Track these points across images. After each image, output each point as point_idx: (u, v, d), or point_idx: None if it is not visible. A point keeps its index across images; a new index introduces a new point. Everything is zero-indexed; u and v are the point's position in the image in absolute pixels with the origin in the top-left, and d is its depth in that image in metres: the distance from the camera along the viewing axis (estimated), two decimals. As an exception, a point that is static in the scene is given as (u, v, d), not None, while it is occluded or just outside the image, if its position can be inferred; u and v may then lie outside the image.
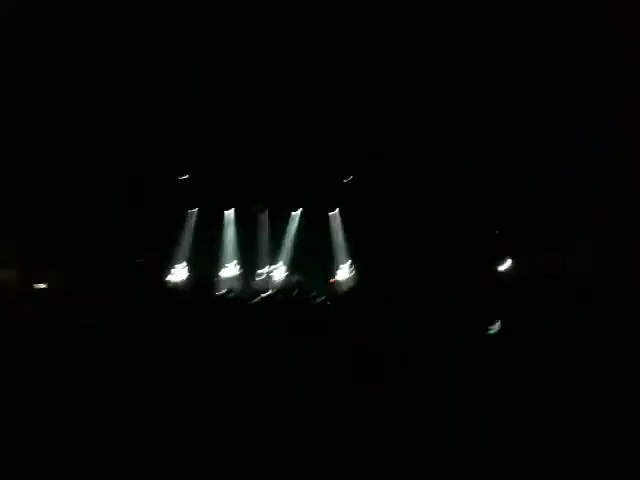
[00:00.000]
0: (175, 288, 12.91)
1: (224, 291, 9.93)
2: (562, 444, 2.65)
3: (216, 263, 14.69)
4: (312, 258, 14.29)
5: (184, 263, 14.66)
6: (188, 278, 14.16)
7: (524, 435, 2.73)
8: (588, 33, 9.34)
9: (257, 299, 7.72)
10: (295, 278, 14.41)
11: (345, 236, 14.98)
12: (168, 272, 14.39)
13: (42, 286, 10.33)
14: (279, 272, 14.60)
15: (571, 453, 2.61)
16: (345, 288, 12.88)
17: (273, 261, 14.84)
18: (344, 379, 3.15)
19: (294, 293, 9.55)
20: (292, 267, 14.72)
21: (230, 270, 14.54)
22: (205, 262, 14.51)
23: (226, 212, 15.29)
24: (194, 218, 15.17)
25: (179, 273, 14.45)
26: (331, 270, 14.51)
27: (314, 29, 10.38)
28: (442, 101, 11.52)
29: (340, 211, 15.25)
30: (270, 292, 10.15)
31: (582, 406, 2.78)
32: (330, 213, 15.30)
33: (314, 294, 9.00)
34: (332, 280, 14.18)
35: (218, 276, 14.46)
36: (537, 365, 3.23)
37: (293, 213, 15.35)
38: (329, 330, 4.10)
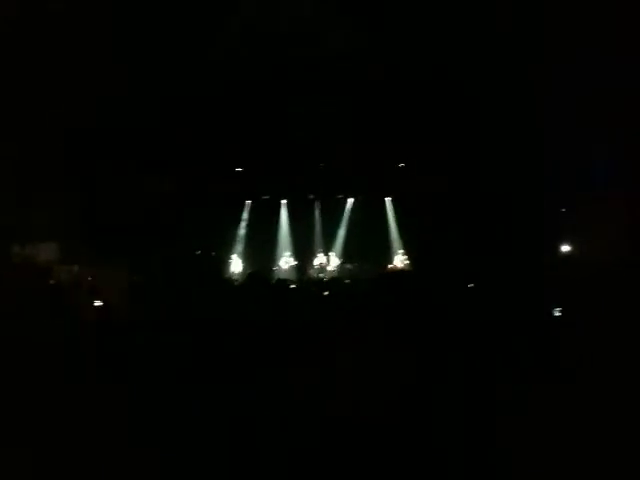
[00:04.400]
0: (232, 279, 13.14)
1: (280, 281, 10.06)
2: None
3: (270, 254, 14.91)
4: (366, 246, 14.34)
5: (239, 255, 14.96)
6: (244, 269, 14.42)
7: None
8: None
9: (313, 288, 7.77)
10: (349, 267, 14.48)
11: (399, 223, 14.97)
12: (225, 264, 14.70)
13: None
14: (333, 261, 14.66)
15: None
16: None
17: (327, 250, 14.92)
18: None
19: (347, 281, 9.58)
20: (346, 256, 14.78)
21: (285, 260, 14.71)
22: (260, 253, 14.77)
23: (280, 202, 15.51)
24: (248, 210, 15.45)
25: (235, 265, 14.73)
26: (386, 258, 14.49)
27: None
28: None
29: (393, 198, 15.24)
30: (325, 281, 10.24)
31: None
32: (385, 199, 15.32)
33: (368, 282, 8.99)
34: (389, 267, 14.14)
35: (273, 267, 14.66)
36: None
37: (348, 201, 15.44)
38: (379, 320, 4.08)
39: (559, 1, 9.43)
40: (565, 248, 12.81)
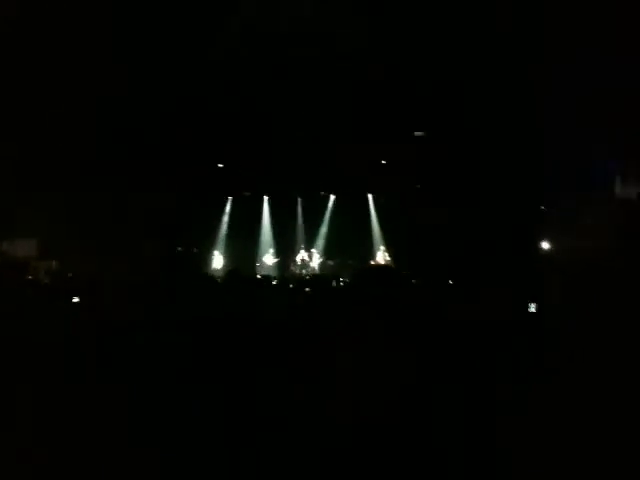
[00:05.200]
0: (213, 276, 13.08)
1: (262, 278, 10.03)
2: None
3: (253, 250, 14.87)
4: (348, 243, 14.34)
5: (221, 251, 14.91)
6: (225, 266, 14.36)
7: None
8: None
9: (294, 285, 7.74)
10: (332, 263, 14.47)
11: (380, 221, 15.01)
12: (207, 260, 14.65)
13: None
14: (315, 257, 14.64)
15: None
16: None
17: (309, 247, 14.91)
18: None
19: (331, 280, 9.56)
20: (329, 252, 14.78)
21: (267, 257, 14.68)
22: (242, 250, 14.73)
23: (262, 198, 15.49)
24: (230, 206, 15.41)
25: (217, 261, 14.68)
26: (368, 255, 14.50)
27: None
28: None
29: (375, 195, 15.27)
30: (307, 278, 10.24)
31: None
32: (367, 196, 15.35)
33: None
34: (371, 263, 14.14)
35: (256, 263, 14.63)
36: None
37: (330, 198, 15.45)
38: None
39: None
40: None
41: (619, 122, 10.35)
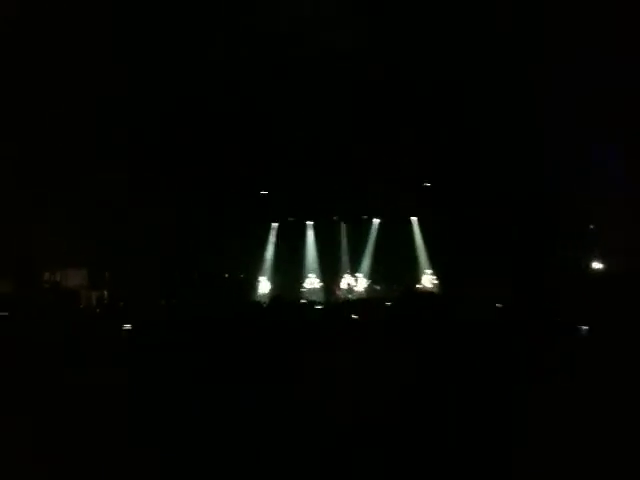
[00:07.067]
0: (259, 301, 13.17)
1: (306, 302, 10.05)
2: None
3: (298, 275, 14.92)
4: (394, 267, 14.25)
5: (267, 276, 15.02)
6: (272, 291, 14.44)
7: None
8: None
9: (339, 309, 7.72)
10: (378, 287, 14.39)
11: (425, 243, 14.88)
12: (253, 286, 14.77)
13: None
14: (361, 282, 14.59)
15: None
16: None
17: (354, 271, 14.87)
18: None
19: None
20: (374, 276, 14.71)
21: (311, 282, 14.70)
22: (287, 275, 14.81)
23: (306, 224, 15.58)
24: (275, 231, 15.55)
25: (263, 286, 14.78)
26: (414, 278, 14.38)
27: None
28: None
29: (419, 218, 15.16)
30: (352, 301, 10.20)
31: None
32: (411, 219, 15.26)
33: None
34: (418, 288, 14.02)
35: (301, 288, 14.66)
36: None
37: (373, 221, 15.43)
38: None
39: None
40: (597, 265, 12.63)
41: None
